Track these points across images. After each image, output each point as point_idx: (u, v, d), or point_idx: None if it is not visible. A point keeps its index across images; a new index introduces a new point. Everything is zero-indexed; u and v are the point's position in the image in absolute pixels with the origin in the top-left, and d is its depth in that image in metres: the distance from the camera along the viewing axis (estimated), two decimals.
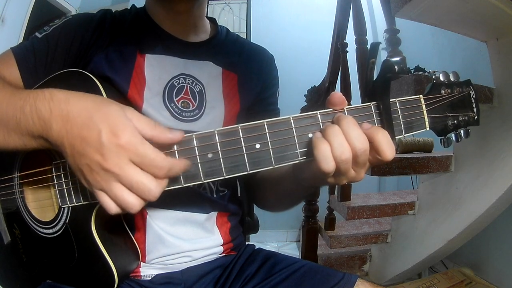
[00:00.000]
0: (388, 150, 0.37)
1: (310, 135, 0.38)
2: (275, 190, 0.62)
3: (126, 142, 0.34)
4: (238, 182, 0.76)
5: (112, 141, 0.34)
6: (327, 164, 0.36)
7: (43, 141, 0.39)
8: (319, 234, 1.66)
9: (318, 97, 1.63)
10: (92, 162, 0.35)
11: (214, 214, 0.66)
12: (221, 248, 0.67)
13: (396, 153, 0.38)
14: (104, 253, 0.49)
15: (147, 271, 0.61)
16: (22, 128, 0.39)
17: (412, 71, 1.30)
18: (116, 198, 0.36)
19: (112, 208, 0.36)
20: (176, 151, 0.38)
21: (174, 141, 0.37)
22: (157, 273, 0.61)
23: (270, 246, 2.60)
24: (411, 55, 1.87)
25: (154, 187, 0.35)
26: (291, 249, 2.57)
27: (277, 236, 2.70)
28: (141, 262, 0.60)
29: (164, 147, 0.38)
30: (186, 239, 0.62)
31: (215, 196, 0.66)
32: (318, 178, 0.41)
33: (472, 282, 1.43)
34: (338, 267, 1.73)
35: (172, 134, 0.37)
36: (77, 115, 0.36)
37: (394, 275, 1.58)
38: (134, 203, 0.36)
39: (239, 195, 0.77)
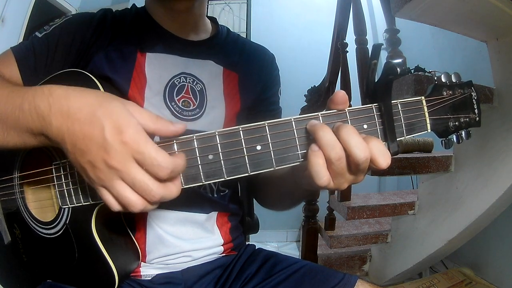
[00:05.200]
0: (383, 160, 0.36)
1: (311, 137, 0.38)
2: (276, 190, 0.62)
3: (129, 138, 0.33)
4: (238, 182, 0.76)
5: (116, 137, 0.33)
6: (320, 179, 0.37)
7: (43, 138, 0.39)
8: (319, 234, 1.66)
9: (318, 97, 1.62)
10: (95, 159, 0.34)
11: (214, 214, 0.66)
12: (221, 248, 0.67)
13: (397, 155, 0.38)
14: (105, 253, 0.49)
15: (147, 271, 0.61)
16: (22, 125, 0.39)
17: (412, 71, 1.30)
18: (118, 195, 0.35)
19: (115, 205, 0.36)
20: (176, 152, 0.38)
21: (177, 134, 0.37)
22: (157, 273, 0.61)
23: (270, 246, 2.60)
24: (411, 55, 1.87)
25: (156, 188, 0.34)
26: (291, 249, 2.57)
27: (277, 236, 2.69)
28: (141, 262, 0.60)
29: (167, 142, 0.37)
30: (186, 239, 0.62)
31: (215, 196, 0.66)
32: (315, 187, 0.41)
33: (472, 282, 1.44)
34: (338, 267, 1.73)
35: (175, 126, 0.36)
36: (78, 111, 0.35)
37: (394, 275, 1.58)
38: (136, 201, 0.35)
39: (239, 195, 0.77)
